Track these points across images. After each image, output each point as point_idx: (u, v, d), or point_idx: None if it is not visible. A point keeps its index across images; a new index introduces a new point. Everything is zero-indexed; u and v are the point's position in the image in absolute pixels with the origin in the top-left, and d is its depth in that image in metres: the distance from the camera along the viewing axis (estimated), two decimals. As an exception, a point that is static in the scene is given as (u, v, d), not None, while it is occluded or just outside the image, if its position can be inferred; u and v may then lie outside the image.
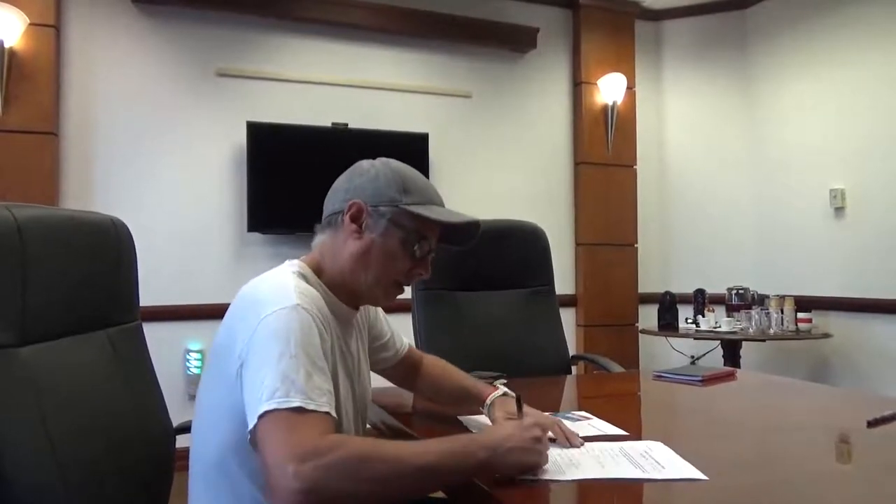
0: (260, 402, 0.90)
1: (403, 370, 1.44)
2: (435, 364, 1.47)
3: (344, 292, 1.16)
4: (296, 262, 1.15)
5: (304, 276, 1.11)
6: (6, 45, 3.06)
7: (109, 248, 1.24)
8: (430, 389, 1.45)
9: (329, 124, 3.70)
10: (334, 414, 0.94)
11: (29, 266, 1.04)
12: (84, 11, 3.38)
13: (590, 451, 1.12)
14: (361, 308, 1.32)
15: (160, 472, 1.22)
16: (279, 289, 1.03)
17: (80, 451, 1.05)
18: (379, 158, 1.19)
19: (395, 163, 1.17)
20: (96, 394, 1.14)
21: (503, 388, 1.30)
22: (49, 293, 1.08)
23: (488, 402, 1.28)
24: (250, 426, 0.92)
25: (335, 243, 1.14)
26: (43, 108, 3.18)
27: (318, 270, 1.14)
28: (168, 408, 1.31)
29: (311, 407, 0.91)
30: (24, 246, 1.03)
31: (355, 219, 1.12)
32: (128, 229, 1.29)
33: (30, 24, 3.12)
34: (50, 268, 1.08)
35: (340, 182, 1.17)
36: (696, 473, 1.00)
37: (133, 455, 1.16)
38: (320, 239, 1.17)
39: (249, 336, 0.97)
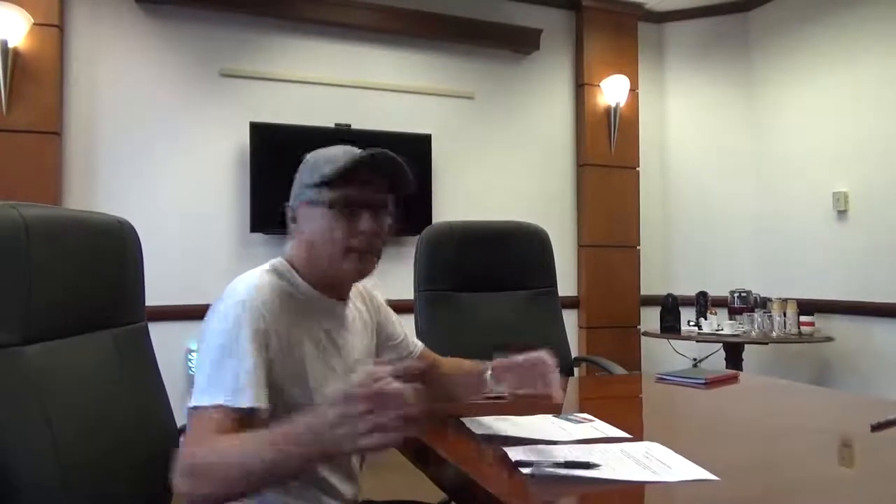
0: (192, 397, 1.00)
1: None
2: (438, 364, 1.49)
3: (323, 285, 1.19)
4: (279, 258, 1.20)
5: (277, 272, 1.16)
6: (10, 45, 3.06)
7: (115, 248, 1.24)
8: (441, 386, 1.45)
9: (332, 125, 3.70)
10: (262, 404, 1.00)
11: (34, 265, 1.04)
12: (88, 11, 3.38)
13: (594, 452, 1.12)
14: (368, 305, 1.34)
15: (164, 472, 1.22)
16: (236, 287, 1.10)
17: (83, 451, 1.05)
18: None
19: (314, 152, 1.21)
20: (100, 393, 1.14)
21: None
22: (54, 293, 1.08)
23: (488, 374, 1.34)
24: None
25: (296, 244, 1.20)
26: (46, 107, 3.19)
27: (294, 267, 1.19)
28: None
29: (230, 404, 0.98)
30: (29, 245, 1.03)
31: (294, 220, 1.19)
32: (134, 230, 1.29)
33: (34, 24, 3.12)
34: (55, 267, 1.08)
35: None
36: (706, 474, 1.00)
37: (136, 455, 1.17)
38: (289, 243, 1.22)
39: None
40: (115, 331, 1.22)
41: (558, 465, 1.01)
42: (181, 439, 0.99)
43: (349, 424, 0.84)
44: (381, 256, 1.20)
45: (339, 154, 1.16)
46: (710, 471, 1.01)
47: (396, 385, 0.84)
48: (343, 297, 1.25)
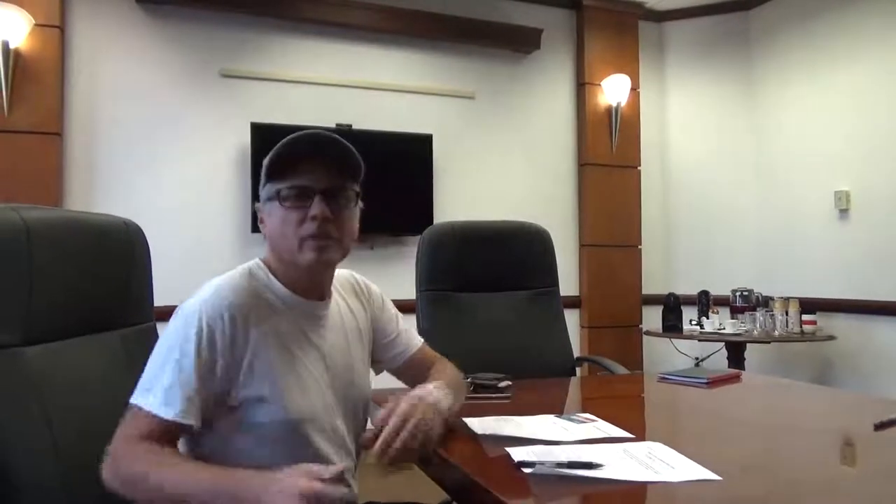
0: (136, 390, 1.04)
1: (412, 371, 1.39)
2: (439, 366, 1.40)
3: (297, 284, 1.17)
4: (257, 259, 1.20)
5: (252, 275, 1.16)
6: (11, 46, 3.07)
7: (121, 249, 1.24)
8: None
9: (333, 125, 3.70)
10: (189, 421, 1.02)
11: (35, 267, 1.04)
12: (88, 12, 3.39)
13: (597, 452, 1.11)
14: (364, 303, 1.32)
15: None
16: (202, 290, 1.11)
17: (84, 452, 1.05)
18: None
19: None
20: (103, 394, 1.14)
21: (429, 385, 1.21)
22: (56, 294, 1.08)
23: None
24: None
25: (266, 245, 1.20)
26: (48, 108, 3.19)
27: (270, 267, 1.19)
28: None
29: (158, 413, 1.00)
30: (31, 247, 1.03)
31: (261, 220, 1.19)
32: (141, 231, 1.29)
33: (35, 25, 3.13)
34: (57, 269, 1.08)
35: None
36: (709, 474, 1.00)
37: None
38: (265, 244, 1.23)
39: None
40: (122, 331, 1.22)
41: (561, 465, 1.01)
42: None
43: (293, 493, 0.89)
44: (349, 243, 1.16)
45: (283, 147, 1.12)
46: (713, 471, 1.01)
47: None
48: (322, 296, 1.22)
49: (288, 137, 1.12)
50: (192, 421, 1.02)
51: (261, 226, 1.19)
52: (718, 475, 0.99)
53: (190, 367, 1.03)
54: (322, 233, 1.11)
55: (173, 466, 0.97)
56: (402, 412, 1.09)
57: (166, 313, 1.35)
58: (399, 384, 1.46)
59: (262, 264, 1.19)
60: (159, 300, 1.40)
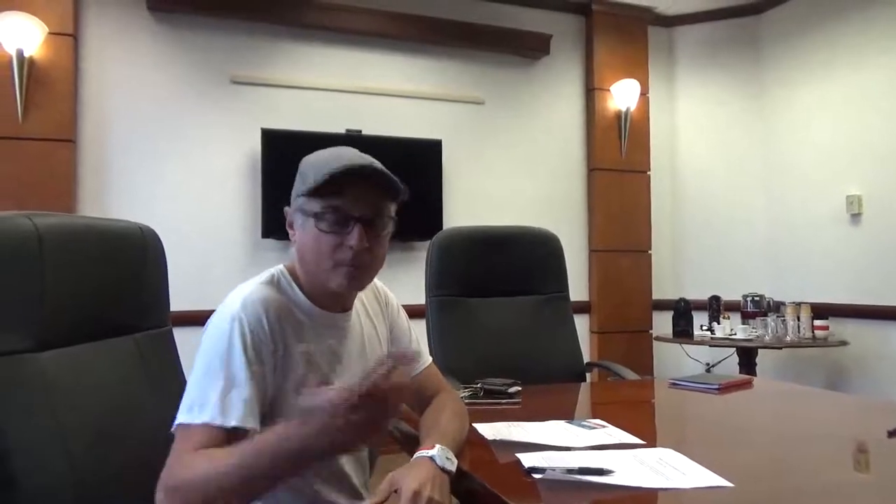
0: (180, 413, 0.99)
1: (417, 389, 1.29)
2: (438, 403, 1.29)
3: (322, 298, 1.16)
4: (280, 266, 1.18)
5: (276, 283, 1.14)
6: (26, 55, 3.10)
7: (136, 254, 1.25)
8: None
9: (343, 131, 3.72)
10: (250, 425, 0.99)
11: (49, 273, 1.05)
12: (101, 20, 3.42)
13: (607, 458, 1.11)
14: (382, 309, 1.32)
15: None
16: (232, 299, 1.08)
17: (97, 458, 1.05)
18: None
19: (306, 157, 1.16)
20: (117, 399, 1.14)
21: (431, 452, 1.06)
22: (69, 300, 1.09)
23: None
24: (173, 428, 1.00)
25: (294, 252, 1.17)
26: (61, 115, 3.22)
27: (295, 276, 1.17)
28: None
29: (216, 423, 0.97)
30: (43, 254, 1.04)
31: (290, 225, 1.16)
32: (156, 236, 1.30)
33: (48, 34, 3.16)
34: (70, 275, 1.09)
35: None
36: (721, 480, 1.00)
37: (155, 463, 1.16)
38: (291, 249, 1.20)
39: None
40: (137, 336, 1.22)
41: (571, 471, 1.01)
42: (167, 461, 0.96)
43: (338, 431, 0.86)
44: (379, 268, 1.16)
45: (328, 159, 1.09)
46: (725, 477, 1.00)
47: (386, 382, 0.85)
48: (346, 307, 1.21)
49: (333, 155, 1.10)
50: (252, 424, 1.00)
51: (289, 230, 1.15)
52: (730, 482, 0.99)
53: (242, 373, 1.01)
54: (357, 262, 1.09)
55: (229, 455, 0.93)
56: None
57: (178, 318, 1.35)
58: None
59: (285, 273, 1.16)
60: (171, 304, 1.41)
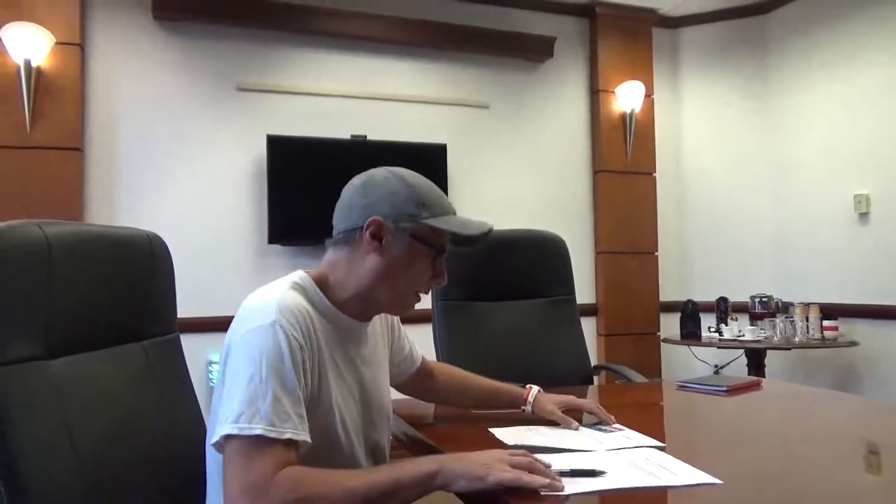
0: (226, 423, 0.96)
1: (420, 380, 1.48)
2: (443, 369, 1.52)
3: (354, 306, 1.16)
4: (301, 273, 1.15)
5: (302, 289, 1.11)
6: (33, 64, 3.13)
7: (144, 262, 1.25)
8: (448, 392, 1.49)
9: (348, 136, 3.73)
10: (303, 437, 0.98)
11: (57, 281, 1.05)
12: (108, 30, 3.45)
13: (598, 460, 1.11)
14: (382, 320, 1.33)
15: (191, 486, 1.22)
16: (264, 304, 1.04)
17: (105, 464, 1.06)
18: (390, 169, 1.17)
19: (409, 175, 1.16)
20: (126, 406, 1.15)
21: (536, 387, 1.42)
22: (78, 307, 1.10)
23: (531, 398, 1.41)
24: (216, 438, 0.97)
25: (352, 259, 1.13)
26: (68, 124, 3.25)
27: (323, 284, 1.14)
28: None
29: (272, 435, 0.94)
30: (52, 262, 1.04)
31: (375, 235, 1.11)
32: (164, 243, 1.31)
33: (56, 43, 3.19)
34: (79, 282, 1.10)
35: (354, 196, 1.15)
36: (709, 478, 1.00)
37: (163, 469, 1.17)
38: (333, 254, 1.16)
39: (227, 349, 1.04)
40: (144, 343, 1.23)
41: (563, 473, 1.01)
42: (227, 476, 0.95)
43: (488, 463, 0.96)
44: None
45: (442, 197, 1.17)
46: (729, 478, 1.00)
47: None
48: (369, 318, 1.23)
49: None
50: (304, 437, 0.98)
51: (374, 244, 1.11)
52: (734, 483, 1.00)
53: (291, 381, 0.99)
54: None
55: (342, 477, 0.95)
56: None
57: (184, 325, 1.35)
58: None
59: (309, 279, 1.14)
60: (178, 310, 1.42)
